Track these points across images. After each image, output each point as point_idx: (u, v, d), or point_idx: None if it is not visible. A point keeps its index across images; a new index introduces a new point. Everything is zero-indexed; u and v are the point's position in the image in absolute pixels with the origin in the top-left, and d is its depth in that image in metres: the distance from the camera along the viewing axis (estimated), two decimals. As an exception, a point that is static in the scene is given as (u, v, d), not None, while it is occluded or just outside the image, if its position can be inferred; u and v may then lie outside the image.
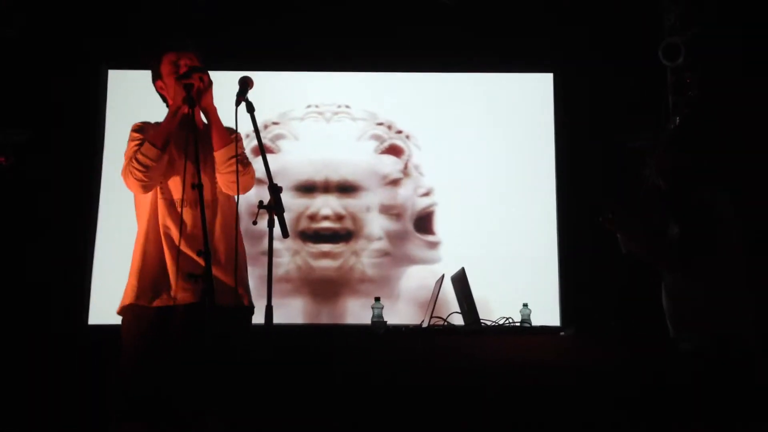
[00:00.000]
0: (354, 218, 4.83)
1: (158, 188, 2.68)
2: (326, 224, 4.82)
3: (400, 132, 4.92)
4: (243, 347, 2.63)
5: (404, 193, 4.88)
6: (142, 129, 2.74)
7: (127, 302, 2.62)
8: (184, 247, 2.58)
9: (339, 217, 4.83)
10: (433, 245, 4.83)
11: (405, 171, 4.89)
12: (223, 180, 2.69)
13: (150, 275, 2.61)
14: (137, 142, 2.66)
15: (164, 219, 2.65)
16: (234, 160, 2.64)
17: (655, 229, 3.12)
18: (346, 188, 4.86)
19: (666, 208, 3.11)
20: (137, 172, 2.59)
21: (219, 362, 2.41)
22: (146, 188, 2.65)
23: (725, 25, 4.49)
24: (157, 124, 2.74)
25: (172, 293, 2.56)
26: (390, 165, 4.90)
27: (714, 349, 2.88)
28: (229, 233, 2.68)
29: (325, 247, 4.79)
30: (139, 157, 2.59)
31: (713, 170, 3.15)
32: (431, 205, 4.87)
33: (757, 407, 2.92)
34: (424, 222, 4.86)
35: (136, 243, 2.71)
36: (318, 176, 4.85)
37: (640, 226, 3.04)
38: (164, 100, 2.81)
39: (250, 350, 2.63)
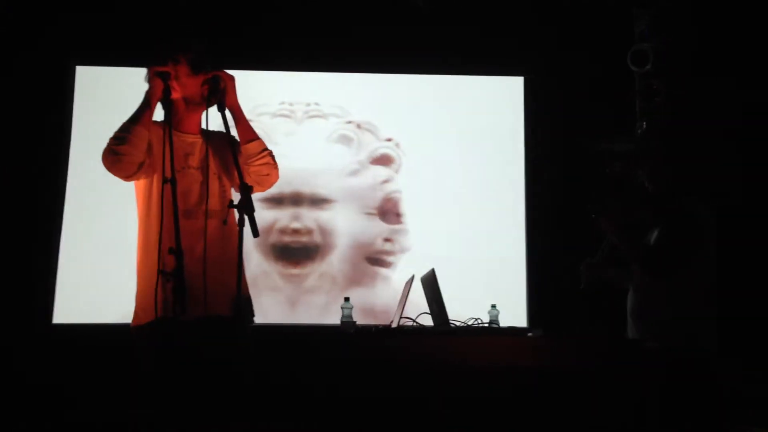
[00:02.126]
0: (324, 228, 4.82)
1: (169, 197, 2.56)
2: (295, 238, 4.80)
3: (390, 140, 4.92)
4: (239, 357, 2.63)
5: (366, 185, 4.88)
6: None
7: (154, 316, 2.49)
8: (207, 258, 2.52)
9: (308, 231, 4.80)
10: (401, 233, 4.84)
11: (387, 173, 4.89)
12: (254, 171, 2.73)
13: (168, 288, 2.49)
14: None
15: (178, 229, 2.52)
16: (267, 152, 2.74)
17: (636, 228, 3.20)
18: (314, 200, 4.84)
19: (650, 212, 3.19)
20: (113, 147, 2.53)
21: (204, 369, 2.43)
22: (121, 164, 2.55)
23: (694, 33, 4.58)
24: (155, 122, 2.70)
25: (203, 305, 2.50)
26: (348, 156, 4.89)
27: (677, 351, 2.96)
28: (233, 244, 2.66)
29: (294, 270, 4.77)
30: (116, 133, 2.56)
31: (701, 182, 3.25)
32: (394, 192, 4.88)
33: (718, 408, 2.99)
34: (389, 212, 4.87)
35: (146, 253, 2.61)
36: (287, 188, 4.79)
37: (624, 223, 3.13)
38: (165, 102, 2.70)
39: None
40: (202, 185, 2.66)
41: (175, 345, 2.46)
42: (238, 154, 2.76)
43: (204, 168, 2.69)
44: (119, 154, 2.53)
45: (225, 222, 2.60)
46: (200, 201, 2.64)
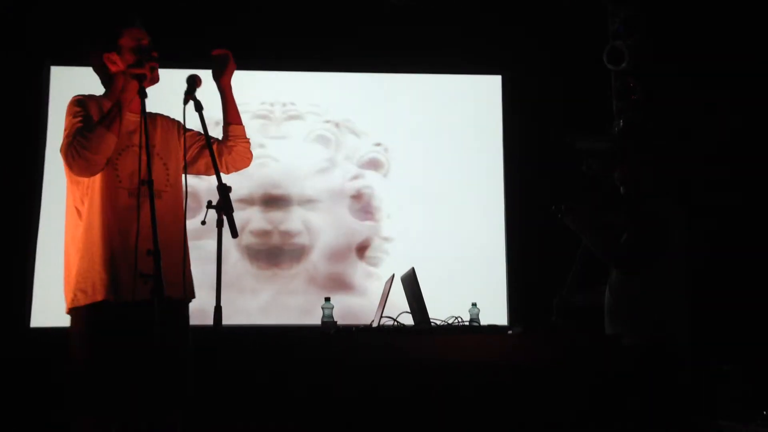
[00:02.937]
0: (304, 229, 4.81)
1: (116, 178, 2.55)
2: (274, 239, 4.78)
3: (379, 144, 4.91)
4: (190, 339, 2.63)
5: (344, 183, 4.88)
6: (82, 102, 2.59)
7: (98, 298, 2.48)
8: (142, 242, 2.39)
9: (287, 232, 4.78)
10: (380, 232, 4.84)
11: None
12: (239, 150, 2.82)
13: (114, 269, 2.48)
14: (80, 118, 2.53)
15: (123, 211, 2.52)
16: (248, 139, 2.85)
17: (610, 228, 3.26)
18: (294, 200, 4.82)
19: (624, 213, 3.26)
20: (83, 151, 2.45)
21: (171, 363, 2.38)
22: (90, 171, 2.50)
23: (668, 31, 4.62)
24: (91, 97, 2.64)
25: (136, 289, 2.38)
26: (326, 156, 4.88)
27: (648, 348, 3.02)
28: (178, 224, 2.63)
29: (274, 270, 4.75)
30: (86, 134, 2.47)
31: (672, 184, 3.32)
32: (365, 188, 4.88)
33: (688, 403, 3.05)
34: (363, 209, 4.86)
35: (88, 233, 2.53)
36: (269, 188, 4.78)
37: (594, 223, 3.19)
38: (105, 75, 2.68)
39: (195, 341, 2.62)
40: (143, 173, 2.58)
41: (128, 328, 2.40)
42: (220, 143, 2.81)
43: (147, 147, 2.64)
44: (90, 162, 2.47)
45: (203, 223, 2.57)
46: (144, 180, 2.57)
